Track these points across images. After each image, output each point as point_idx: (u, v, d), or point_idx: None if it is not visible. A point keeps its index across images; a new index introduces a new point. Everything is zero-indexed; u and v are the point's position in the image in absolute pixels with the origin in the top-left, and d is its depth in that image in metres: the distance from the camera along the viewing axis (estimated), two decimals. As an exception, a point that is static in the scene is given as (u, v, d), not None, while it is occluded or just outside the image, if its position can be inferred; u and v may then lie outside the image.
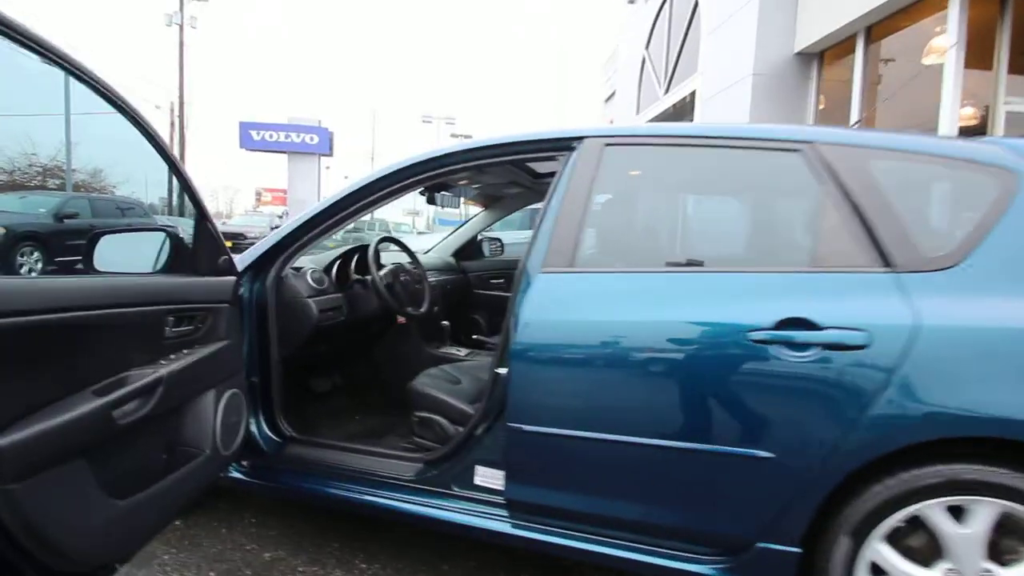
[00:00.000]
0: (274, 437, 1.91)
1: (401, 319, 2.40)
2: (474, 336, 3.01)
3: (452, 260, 3.28)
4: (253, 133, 21.46)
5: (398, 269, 2.31)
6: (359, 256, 2.31)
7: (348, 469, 1.77)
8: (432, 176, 1.78)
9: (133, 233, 1.72)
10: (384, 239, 2.32)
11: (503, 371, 1.50)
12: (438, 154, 1.75)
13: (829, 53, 6.20)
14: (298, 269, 2.06)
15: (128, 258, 1.58)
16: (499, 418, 1.54)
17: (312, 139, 21.32)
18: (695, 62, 8.06)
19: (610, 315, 1.42)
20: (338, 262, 2.21)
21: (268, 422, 1.92)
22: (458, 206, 2.83)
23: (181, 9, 20.24)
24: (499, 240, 3.55)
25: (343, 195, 1.85)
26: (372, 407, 2.59)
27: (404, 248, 2.46)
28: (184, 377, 1.37)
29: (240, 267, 1.82)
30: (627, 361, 1.37)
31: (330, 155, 22.64)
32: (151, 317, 1.32)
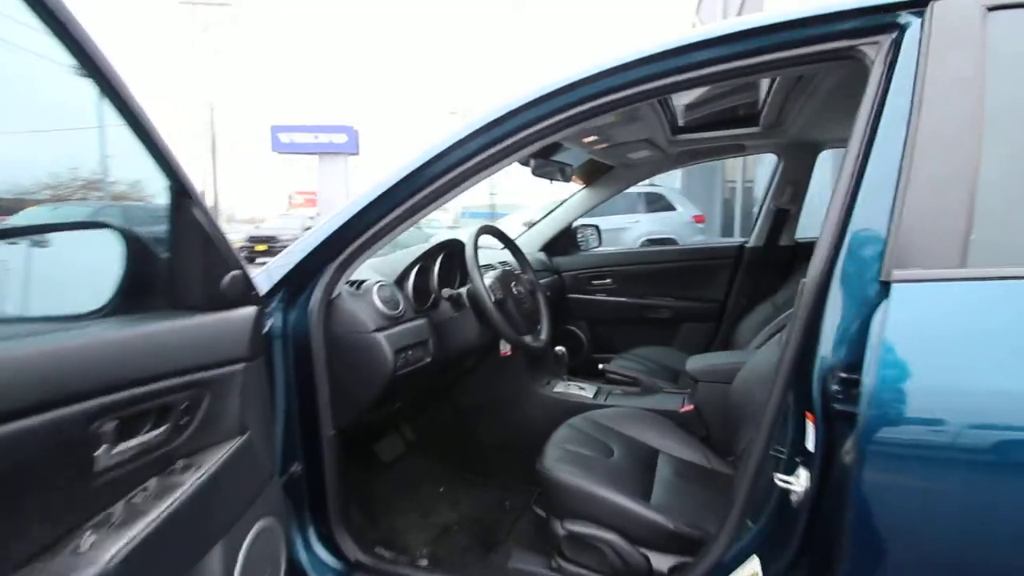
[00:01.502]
0: (333, 564, 1.14)
1: (506, 350, 1.61)
2: (596, 361, 2.19)
3: (543, 256, 2.47)
4: (282, 136, 21.21)
5: (506, 276, 1.51)
6: (445, 257, 1.52)
7: None
8: (591, 110, 0.98)
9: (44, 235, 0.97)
10: (485, 229, 1.51)
11: (798, 483, 0.71)
12: (618, 64, 0.94)
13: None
14: (358, 284, 1.29)
15: (34, 292, 0.82)
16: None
17: (340, 138, 20.90)
18: None
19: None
20: (415, 269, 1.42)
21: (322, 538, 1.14)
22: (569, 179, 2.04)
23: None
24: (596, 228, 2.72)
25: (427, 159, 1.06)
26: (461, 471, 1.81)
27: (507, 242, 1.65)
28: (148, 555, 0.60)
29: (267, 285, 1.06)
30: None
31: (357, 154, 22.20)
32: (58, 437, 0.55)
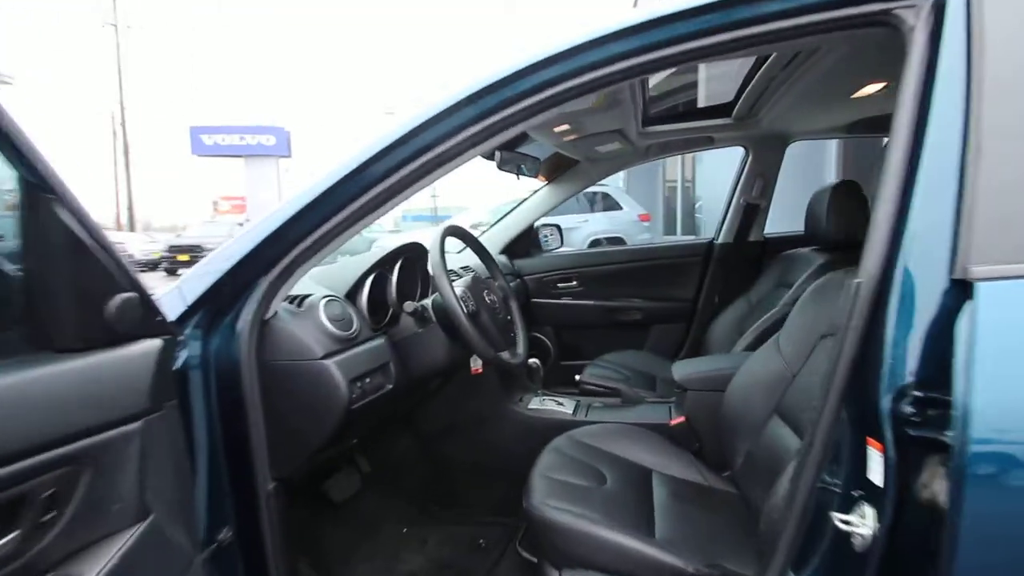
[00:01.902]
0: None
1: (477, 367, 1.41)
2: (565, 369, 2.03)
3: (505, 259, 2.29)
4: (204, 137, 19.77)
5: (477, 283, 1.31)
6: (404, 264, 1.30)
7: None
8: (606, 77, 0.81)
9: None
10: (451, 230, 1.31)
11: (863, 523, 0.59)
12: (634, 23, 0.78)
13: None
14: (300, 300, 1.06)
15: None
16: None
17: (269, 140, 19.74)
18: None
19: None
20: (370, 279, 1.20)
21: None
22: (535, 174, 1.87)
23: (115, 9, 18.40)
24: (558, 228, 2.58)
25: (383, 147, 0.86)
26: (427, 505, 1.60)
27: (475, 245, 1.45)
28: None
29: (180, 307, 0.82)
30: None
31: (289, 156, 21.10)
32: None
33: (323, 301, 1.05)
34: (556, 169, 2.21)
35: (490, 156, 1.58)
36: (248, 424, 0.85)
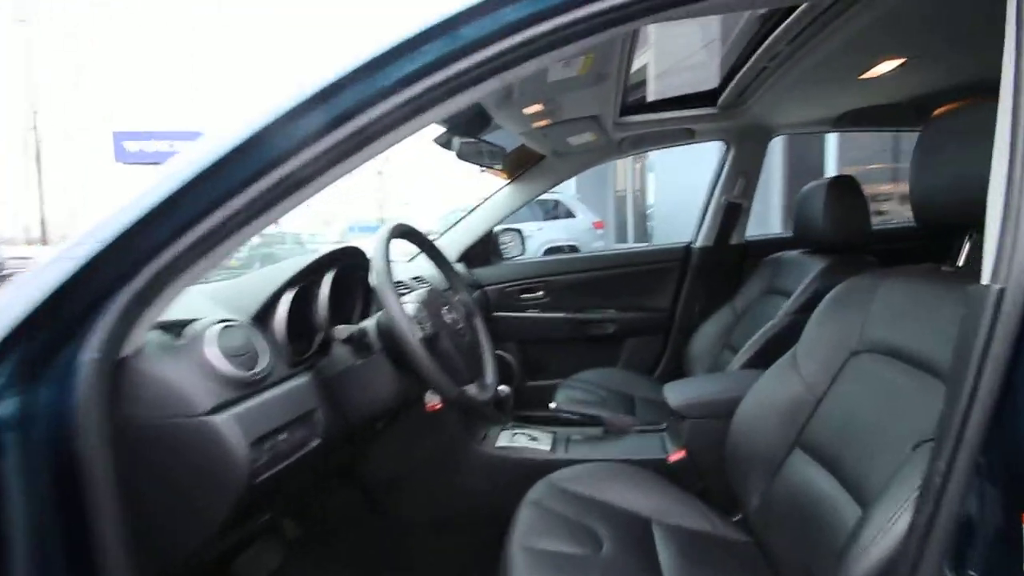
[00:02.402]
0: None
1: (435, 403, 1.12)
2: (532, 391, 1.77)
3: (462, 268, 2.01)
4: (129, 144, 18.30)
5: (435, 298, 1.01)
6: (339, 275, 0.99)
7: None
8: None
9: None
10: (399, 231, 0.99)
11: None
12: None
13: None
14: (180, 328, 0.74)
15: None
16: None
17: (202, 146, 18.50)
18: None
19: None
20: (290, 296, 0.88)
21: None
22: (501, 167, 1.60)
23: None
24: (519, 233, 2.33)
25: (294, 106, 0.58)
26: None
27: (430, 250, 1.14)
28: None
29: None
30: None
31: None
32: None
33: (215, 329, 0.74)
34: (519, 166, 1.96)
35: (447, 143, 1.31)
36: (94, 511, 0.54)
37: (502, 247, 2.28)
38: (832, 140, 5.99)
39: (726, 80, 1.49)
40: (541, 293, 2.13)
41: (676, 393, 1.30)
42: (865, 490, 0.79)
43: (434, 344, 0.92)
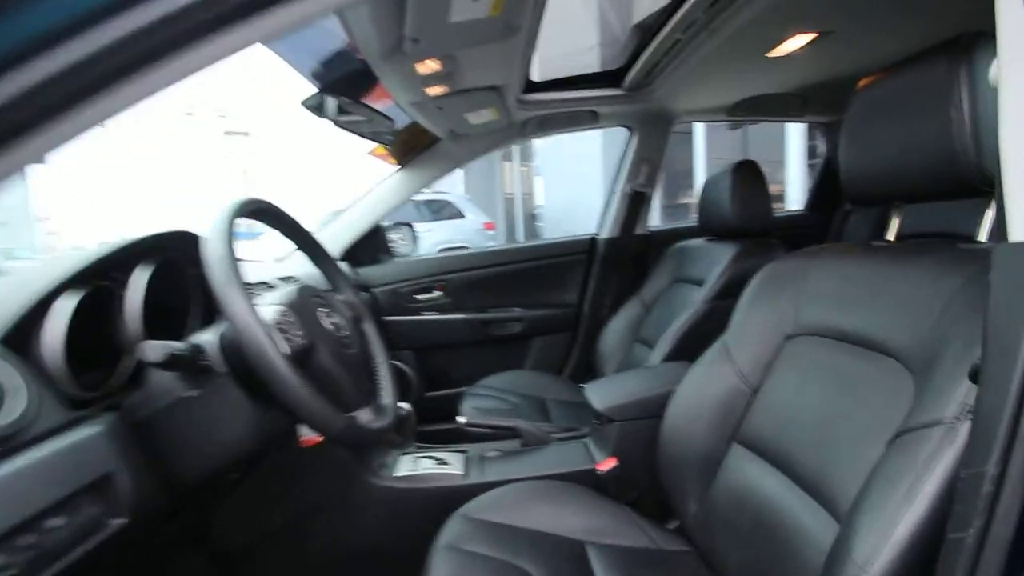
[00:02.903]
0: None
1: (310, 437, 0.85)
2: (434, 404, 1.53)
3: (346, 267, 1.72)
4: None
5: (307, 298, 0.73)
6: (158, 272, 0.68)
7: None
8: None
9: None
10: (247, 208, 0.68)
11: None
12: None
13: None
14: None
15: None
16: None
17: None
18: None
19: None
20: (70, 303, 0.57)
21: None
22: (388, 141, 1.33)
23: None
24: (410, 227, 2.09)
25: None
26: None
27: (298, 236, 0.85)
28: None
29: None
30: None
31: (42, 162, 16.59)
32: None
33: None
34: (409, 150, 1.72)
35: (318, 107, 1.04)
36: None
37: (392, 244, 2.02)
38: (700, 139, 6.54)
39: (633, 59, 1.41)
40: (438, 293, 1.91)
41: (601, 394, 1.16)
42: (828, 489, 0.70)
43: (308, 360, 0.67)
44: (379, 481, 1.09)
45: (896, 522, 0.54)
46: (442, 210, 7.35)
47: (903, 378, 0.67)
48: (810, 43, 1.19)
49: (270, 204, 0.74)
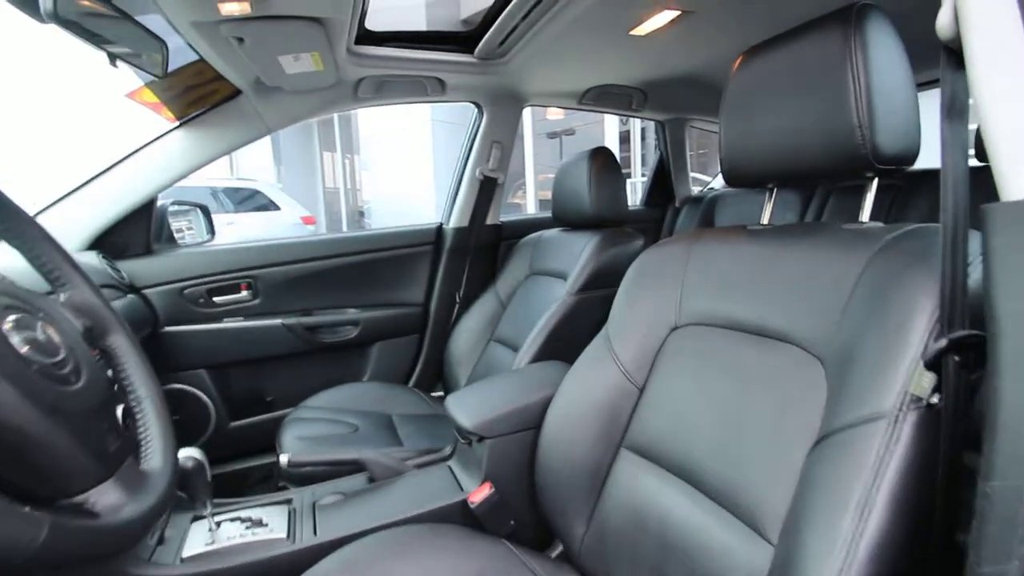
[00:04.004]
0: None
1: None
2: (240, 436, 1.15)
3: (96, 259, 1.22)
4: None
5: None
6: None
7: None
8: None
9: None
10: None
11: None
12: None
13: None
14: None
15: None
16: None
17: None
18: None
19: None
20: None
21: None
22: (157, 70, 0.90)
23: None
24: (204, 210, 1.61)
25: None
26: None
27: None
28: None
29: None
30: None
31: None
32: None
33: None
34: (194, 101, 1.29)
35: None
36: None
37: (176, 231, 1.53)
38: (528, 142, 6.78)
39: (487, 24, 1.24)
40: (246, 292, 1.50)
41: (467, 408, 0.96)
42: (745, 500, 0.61)
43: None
44: (154, 572, 0.72)
45: (857, 538, 0.45)
46: (248, 200, 6.32)
47: (811, 367, 0.61)
48: (672, 23, 1.17)
49: None
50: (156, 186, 1.32)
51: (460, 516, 0.89)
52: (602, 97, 1.73)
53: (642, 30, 1.19)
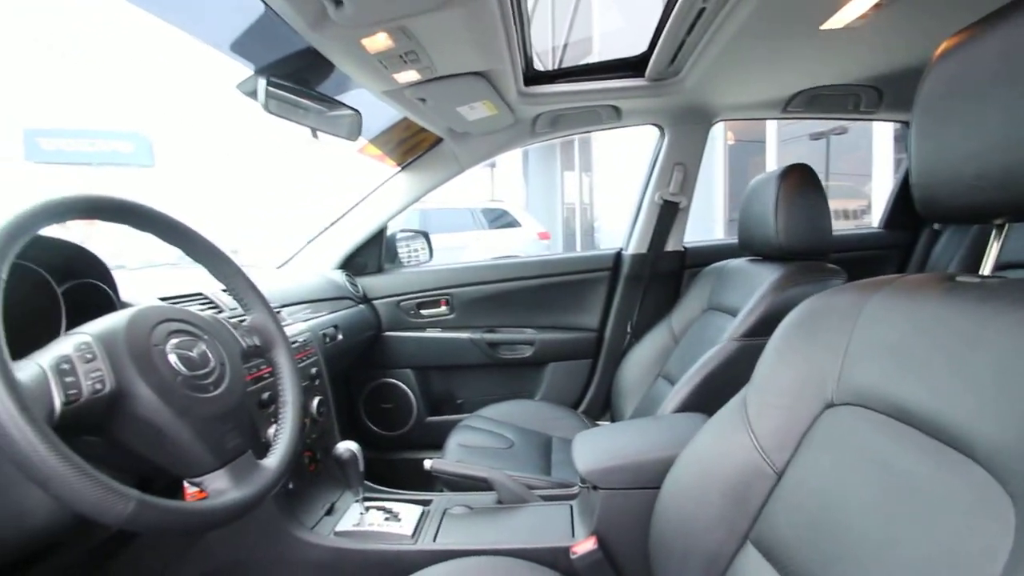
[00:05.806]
0: None
1: (196, 491, 0.70)
2: (431, 428, 1.35)
3: (341, 277, 1.59)
4: (43, 141, 16.60)
5: (137, 328, 0.55)
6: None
7: None
8: None
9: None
10: (83, 204, 0.50)
11: None
12: None
13: None
14: None
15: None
16: None
17: (125, 147, 17.03)
18: None
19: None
20: None
21: None
22: (352, 135, 1.18)
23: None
24: (425, 237, 1.93)
25: None
26: None
27: (178, 237, 0.66)
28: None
29: None
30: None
31: (151, 166, 18.44)
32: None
33: None
34: (409, 150, 1.57)
35: (252, 91, 0.90)
36: None
37: (402, 253, 1.88)
38: (772, 148, 5.97)
39: (653, 45, 1.17)
40: (444, 308, 1.74)
41: (587, 450, 0.92)
42: None
43: (112, 413, 0.50)
44: (310, 538, 0.92)
45: None
46: (499, 218, 7.27)
47: (997, 501, 0.40)
48: (875, 10, 0.90)
49: (119, 200, 0.59)
50: (386, 218, 1.66)
51: (563, 562, 0.87)
52: (815, 101, 1.42)
53: (836, 22, 0.94)
